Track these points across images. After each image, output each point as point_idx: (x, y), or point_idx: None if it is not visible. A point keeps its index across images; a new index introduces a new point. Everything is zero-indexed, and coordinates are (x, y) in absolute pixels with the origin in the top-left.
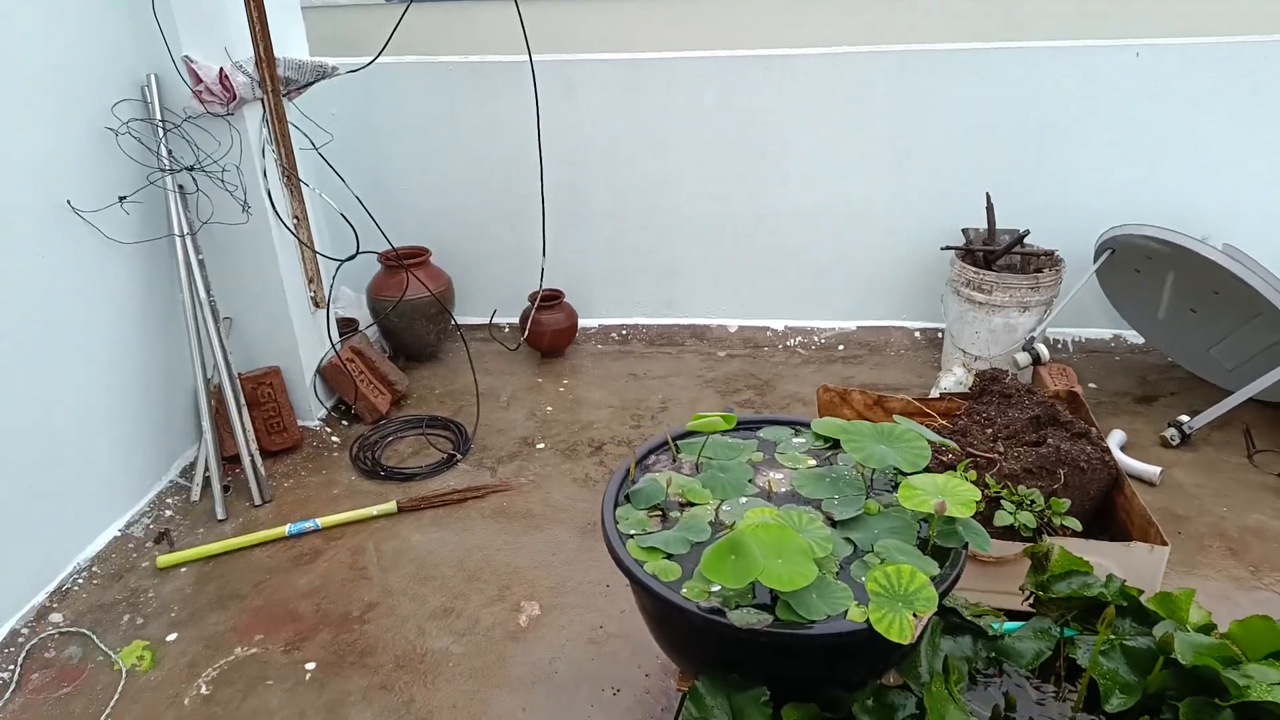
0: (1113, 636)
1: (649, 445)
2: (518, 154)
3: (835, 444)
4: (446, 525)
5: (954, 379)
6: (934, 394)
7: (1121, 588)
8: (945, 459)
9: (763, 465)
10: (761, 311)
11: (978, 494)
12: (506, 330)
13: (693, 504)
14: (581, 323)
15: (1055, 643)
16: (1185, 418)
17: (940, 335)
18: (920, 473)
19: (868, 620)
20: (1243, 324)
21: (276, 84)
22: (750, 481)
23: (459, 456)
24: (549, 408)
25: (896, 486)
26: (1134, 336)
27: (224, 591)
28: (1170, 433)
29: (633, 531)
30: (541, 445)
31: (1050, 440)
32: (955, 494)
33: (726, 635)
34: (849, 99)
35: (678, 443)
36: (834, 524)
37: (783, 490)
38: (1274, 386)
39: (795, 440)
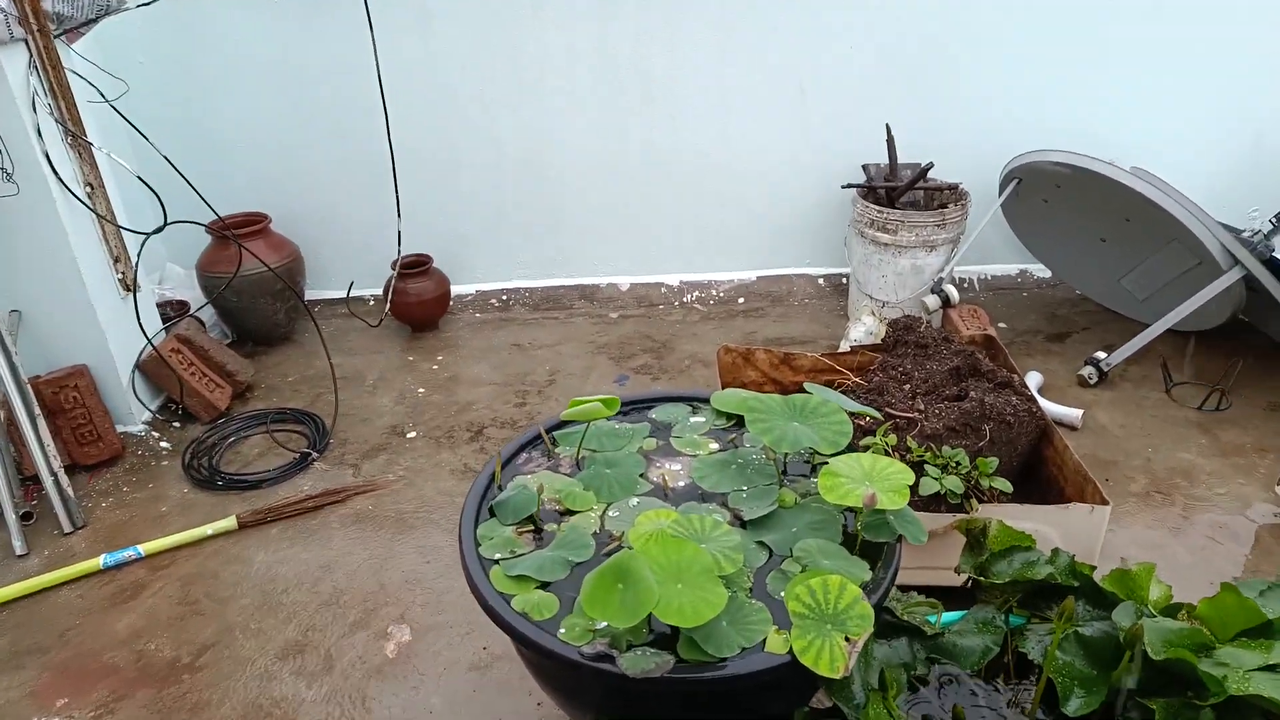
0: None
1: (518, 442)
2: (370, 100)
3: (739, 421)
4: (299, 540)
5: (864, 329)
6: (843, 347)
7: (1071, 564)
8: (864, 424)
9: (657, 454)
10: (655, 266)
11: (910, 476)
12: (371, 304)
13: (573, 511)
14: (455, 290)
15: (1002, 635)
16: (1102, 354)
17: (845, 281)
18: (842, 453)
19: (791, 651)
20: (1154, 251)
21: (43, 21)
22: (642, 477)
23: (314, 455)
24: (421, 389)
25: (814, 469)
26: (1041, 271)
27: (20, 645)
28: (1087, 371)
29: (498, 555)
30: (413, 433)
31: (972, 393)
32: (885, 479)
33: (618, 686)
34: (739, 29)
35: (553, 434)
36: (743, 524)
37: (681, 484)
38: (1188, 316)
39: (693, 420)
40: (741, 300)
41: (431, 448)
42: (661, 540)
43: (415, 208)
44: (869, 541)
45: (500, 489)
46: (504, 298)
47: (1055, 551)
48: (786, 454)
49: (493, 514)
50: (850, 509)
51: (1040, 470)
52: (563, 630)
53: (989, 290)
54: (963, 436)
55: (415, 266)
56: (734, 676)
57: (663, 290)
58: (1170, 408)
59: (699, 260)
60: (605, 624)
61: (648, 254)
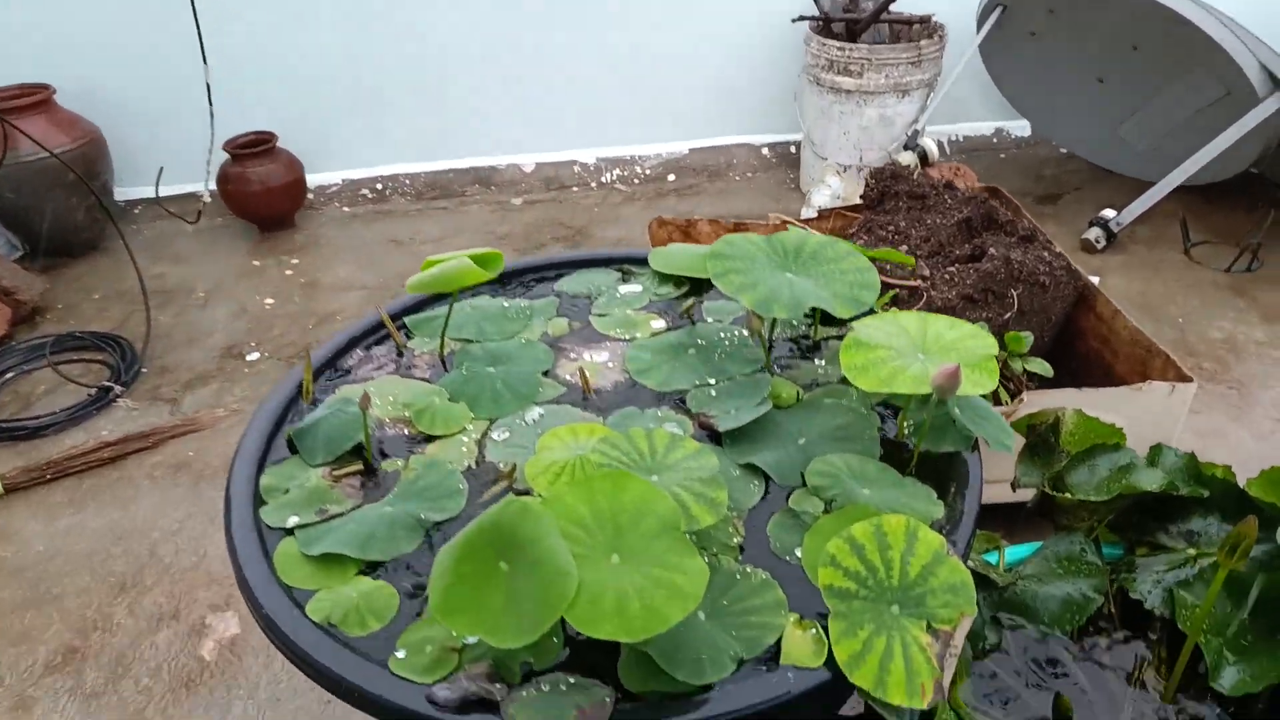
0: (1190, 551)
1: (345, 335)
2: None
3: (695, 288)
4: (90, 502)
5: (829, 192)
6: (807, 215)
7: (1191, 465)
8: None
9: (571, 341)
10: (566, 141)
11: (992, 341)
12: (208, 201)
13: (433, 437)
14: (316, 179)
15: (1103, 578)
16: (1110, 213)
17: (795, 149)
18: (865, 315)
19: (831, 662)
20: (1166, 86)
21: None
22: (547, 376)
23: (117, 389)
24: (269, 300)
25: (815, 349)
26: (1020, 129)
27: None
28: (1093, 234)
29: (294, 519)
30: (255, 355)
31: (992, 250)
32: (953, 348)
33: None
34: None
35: (407, 320)
36: (717, 439)
37: (610, 383)
38: (1207, 165)
39: (624, 290)
40: (672, 177)
41: (279, 370)
42: (583, 477)
43: (250, 68)
44: (926, 455)
45: (313, 406)
46: (379, 187)
47: (1157, 449)
48: (775, 325)
49: (293, 449)
50: (889, 404)
51: (1075, 346)
52: (400, 654)
53: (961, 153)
54: (983, 307)
55: (255, 146)
56: (727, 715)
57: (576, 169)
58: (1193, 270)
59: (618, 132)
60: (478, 640)
61: (555, 127)
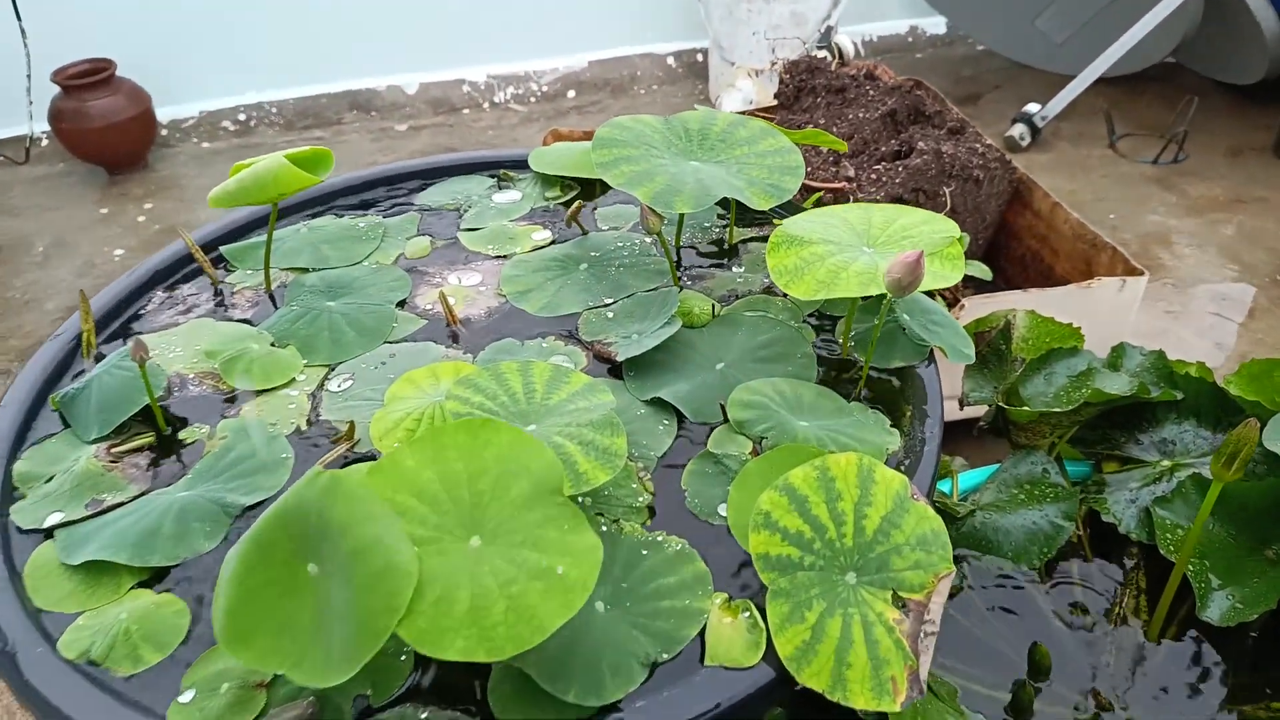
0: (1165, 463)
1: (141, 271)
2: None
3: (585, 191)
4: None
5: (740, 96)
6: None
7: (1160, 364)
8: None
9: (433, 264)
10: (452, 58)
11: (954, 228)
12: (44, 142)
13: (260, 389)
14: (169, 111)
15: (1072, 502)
16: (1034, 107)
17: (703, 56)
18: (783, 207)
19: (771, 655)
20: None
21: None
22: (403, 307)
23: None
24: (119, 251)
25: (727, 252)
26: (934, 26)
27: None
28: (1018, 131)
29: (55, 513)
30: None
31: (921, 144)
32: (906, 237)
33: None
34: None
35: (225, 250)
36: (618, 372)
37: (482, 312)
38: (1123, 57)
39: (500, 198)
40: (572, 94)
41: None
42: (434, 431)
43: None
44: (872, 374)
45: (93, 365)
46: (242, 117)
47: (1119, 350)
48: (682, 227)
49: (66, 423)
50: (824, 313)
51: (1011, 248)
52: (186, 698)
53: (875, 54)
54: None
55: (89, 76)
56: None
57: (465, 89)
58: (1120, 165)
59: (511, 46)
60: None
61: (440, 42)
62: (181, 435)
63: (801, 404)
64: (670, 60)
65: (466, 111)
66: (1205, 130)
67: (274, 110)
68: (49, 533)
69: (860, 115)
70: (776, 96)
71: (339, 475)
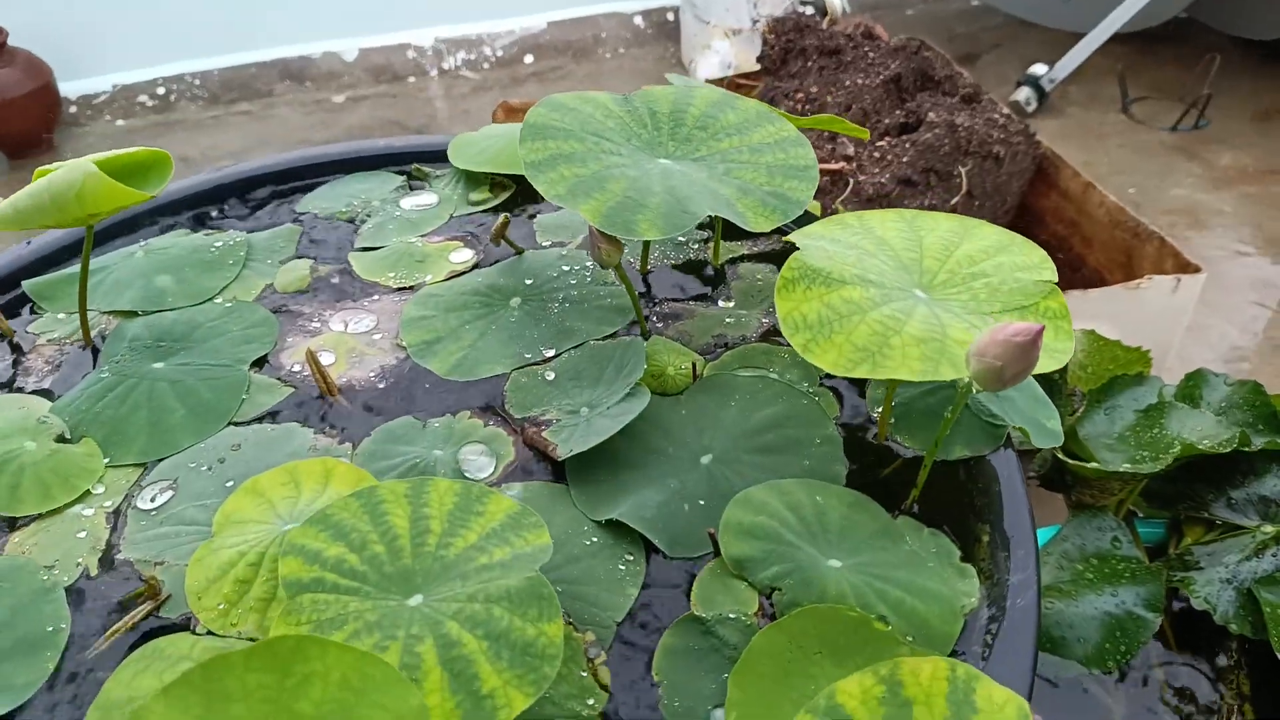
0: (1268, 529)
1: None
2: None
3: (523, 193)
4: None
5: (718, 60)
6: None
7: (1258, 400)
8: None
9: (311, 300)
10: (395, 20)
11: (1048, 264)
12: None
13: (26, 517)
14: (76, 86)
15: (1155, 584)
16: (1041, 68)
17: (673, 16)
18: (798, 224)
19: None
20: None
21: None
22: (261, 368)
23: None
24: (29, 244)
25: (711, 279)
26: None
27: None
28: (1023, 94)
29: None
30: None
31: (931, 115)
32: (993, 276)
33: None
34: None
35: (28, 286)
36: (556, 465)
37: (372, 374)
38: (1136, 13)
39: (409, 203)
40: (530, 59)
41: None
42: (215, 664)
43: None
44: (907, 466)
45: None
46: (161, 91)
47: (1196, 379)
48: (648, 247)
49: None
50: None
51: (1032, 236)
52: None
53: (864, 10)
54: (924, 192)
55: None
56: None
57: (410, 55)
58: (1137, 132)
59: (461, 6)
60: None
61: (383, 2)
62: None
63: (827, 526)
64: (638, 20)
65: (412, 80)
66: (1227, 93)
67: (196, 82)
68: None
69: (859, 81)
70: (760, 60)
71: None
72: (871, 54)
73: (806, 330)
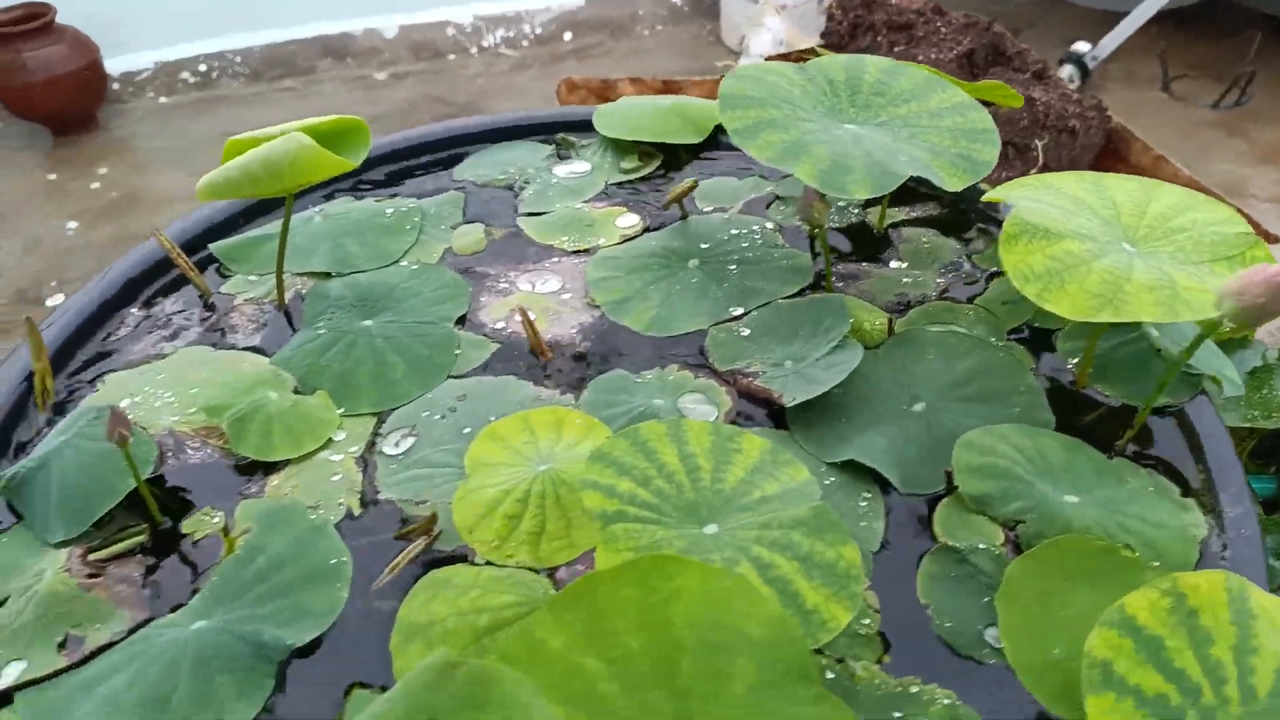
0: None
1: (107, 284)
2: None
3: (669, 159)
4: None
5: (770, 37)
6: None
7: None
8: None
9: (491, 261)
10: None
11: (1239, 219)
12: None
13: (270, 466)
14: (120, 62)
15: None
16: (1084, 46)
17: None
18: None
19: None
20: None
21: None
22: (463, 325)
23: None
24: (71, 223)
25: (876, 241)
26: None
27: None
28: (1066, 72)
29: (16, 667)
30: (59, 297)
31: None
32: (1191, 231)
33: None
34: None
35: (215, 248)
36: (779, 418)
37: (571, 330)
38: None
39: (564, 171)
40: (568, 36)
41: None
42: (585, 583)
43: None
44: (1122, 416)
45: (51, 425)
46: (203, 68)
47: None
48: (837, 209)
49: (18, 513)
50: (1027, 331)
51: None
52: None
53: None
54: (1002, 164)
55: (25, 23)
56: None
57: (450, 33)
58: (1176, 109)
59: None
60: None
61: None
62: (185, 527)
63: (1052, 466)
64: None
65: (452, 57)
66: (1268, 70)
67: (238, 59)
68: (7, 696)
69: (932, 57)
70: (825, 36)
71: (487, 675)
72: (943, 29)
73: (1036, 280)
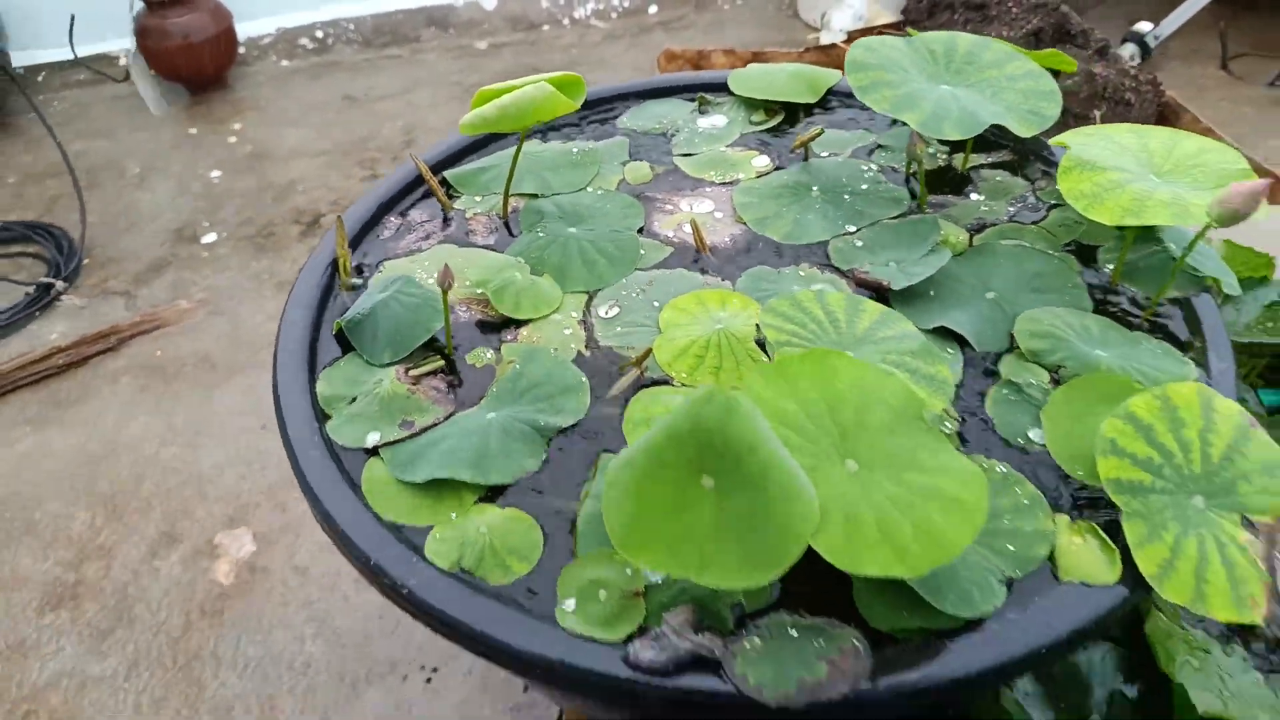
0: None
1: (377, 195)
2: None
3: (788, 116)
4: (54, 415)
5: (851, 12)
6: (830, 41)
7: None
8: None
9: (657, 189)
10: None
11: (1242, 160)
12: (123, 62)
13: (519, 321)
14: (246, 28)
15: None
16: (1147, 25)
17: None
18: (1048, 130)
19: (1130, 573)
20: None
21: None
22: (642, 234)
23: (60, 285)
24: (216, 172)
25: (959, 180)
26: None
27: None
28: (1128, 51)
29: (375, 435)
30: (211, 236)
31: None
32: (1203, 167)
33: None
34: None
35: (447, 175)
36: (884, 302)
37: (724, 239)
38: None
39: (705, 123)
40: (654, 9)
41: (243, 254)
42: (781, 362)
43: None
44: (1143, 306)
45: (355, 288)
46: (319, 35)
47: None
48: (929, 153)
49: (346, 345)
50: (1078, 242)
51: None
52: (569, 605)
53: None
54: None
55: None
56: (1010, 664)
57: (544, 5)
58: (1237, 87)
59: None
60: (662, 576)
61: None
62: (469, 359)
63: (1090, 335)
64: None
65: (546, 28)
66: None
67: (350, 26)
68: (371, 451)
69: (1004, 34)
70: (905, 13)
71: (734, 399)
72: (1014, 9)
73: (1084, 199)
